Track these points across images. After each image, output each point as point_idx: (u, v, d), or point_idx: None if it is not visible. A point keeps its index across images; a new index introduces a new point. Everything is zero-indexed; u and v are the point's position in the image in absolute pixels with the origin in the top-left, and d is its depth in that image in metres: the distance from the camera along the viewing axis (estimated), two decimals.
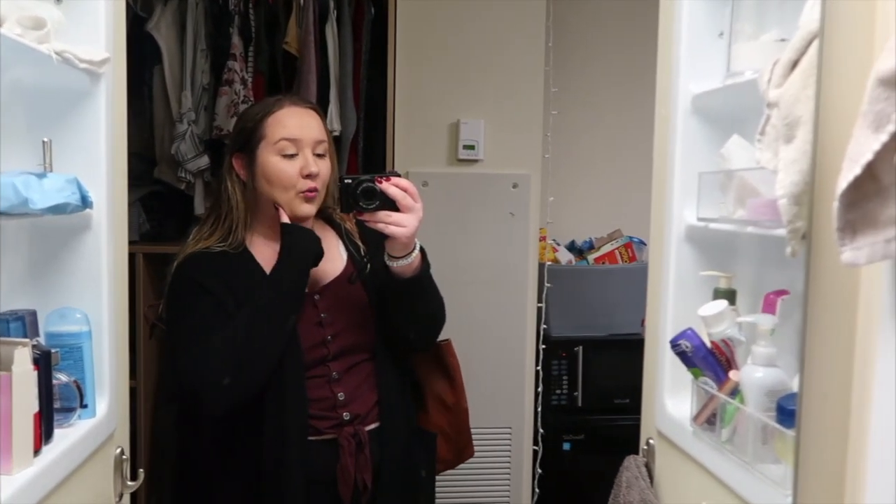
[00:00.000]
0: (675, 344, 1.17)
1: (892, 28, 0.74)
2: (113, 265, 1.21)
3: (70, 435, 1.09)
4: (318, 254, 1.43)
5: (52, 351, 1.05)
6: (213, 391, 1.34)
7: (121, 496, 1.27)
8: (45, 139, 1.07)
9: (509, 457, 2.51)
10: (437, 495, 1.68)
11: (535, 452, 2.52)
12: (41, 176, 0.99)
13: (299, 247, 1.42)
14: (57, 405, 1.08)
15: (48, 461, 0.99)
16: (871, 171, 0.69)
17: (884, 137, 0.67)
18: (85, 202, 1.08)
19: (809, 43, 0.87)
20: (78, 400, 1.11)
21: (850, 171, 0.69)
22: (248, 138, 1.47)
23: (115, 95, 1.21)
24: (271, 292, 1.40)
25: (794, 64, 0.90)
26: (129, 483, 1.28)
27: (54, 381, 1.06)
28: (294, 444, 1.40)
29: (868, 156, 0.68)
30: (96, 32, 1.14)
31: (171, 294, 1.46)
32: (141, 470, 1.31)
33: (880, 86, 0.67)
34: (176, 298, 1.46)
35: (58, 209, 1.00)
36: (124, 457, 1.27)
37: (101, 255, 1.18)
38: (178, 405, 1.85)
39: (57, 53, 1.00)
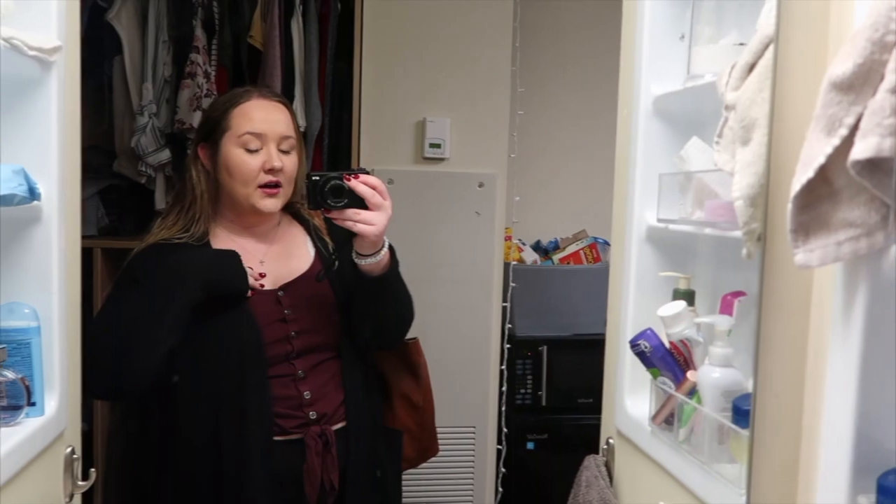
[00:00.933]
0: (634, 344, 1.18)
1: (845, 33, 0.75)
2: (64, 259, 1.18)
3: (17, 434, 1.05)
4: (236, 287, 1.41)
5: None
6: (89, 372, 1.29)
7: (71, 496, 1.24)
8: None
9: (473, 456, 2.51)
10: (402, 491, 1.67)
11: (499, 451, 2.53)
12: None
13: (217, 273, 1.40)
14: (3, 403, 1.05)
15: None
16: (823, 174, 0.69)
17: (836, 141, 0.67)
18: (33, 194, 1.05)
19: (766, 47, 0.88)
20: (25, 398, 1.08)
21: (803, 174, 0.70)
22: (213, 128, 1.45)
23: (68, 85, 1.18)
24: (157, 297, 1.36)
25: (751, 67, 0.91)
26: (80, 483, 1.25)
27: (1, 379, 1.03)
28: (257, 443, 1.37)
29: (821, 159, 0.68)
30: (48, 19, 1.10)
31: (117, 282, 1.44)
32: (93, 469, 1.27)
33: (833, 90, 0.68)
34: (114, 287, 1.44)
35: (3, 200, 0.97)
36: (75, 456, 1.24)
37: (52, 249, 1.14)
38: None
39: (4, 40, 0.96)
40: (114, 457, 2.37)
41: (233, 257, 1.42)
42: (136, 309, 1.36)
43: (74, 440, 1.25)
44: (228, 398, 1.38)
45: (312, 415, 1.42)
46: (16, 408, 1.07)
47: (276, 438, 1.40)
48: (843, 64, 0.67)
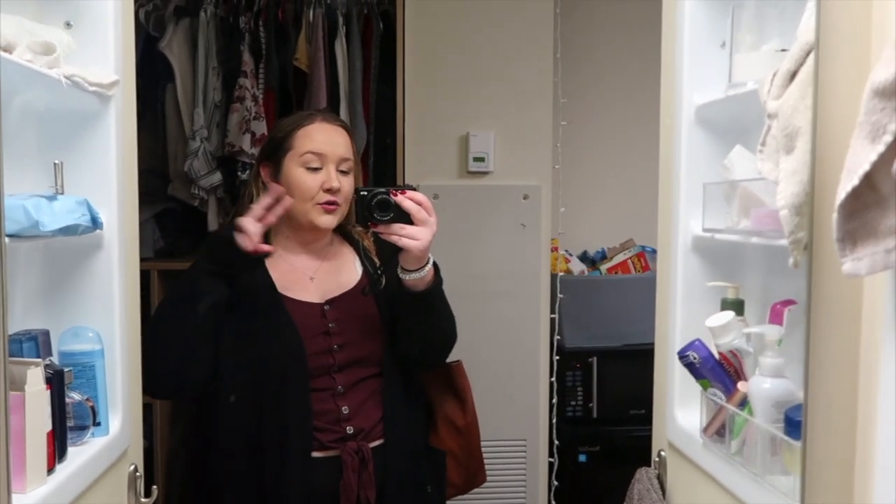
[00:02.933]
0: (682, 355, 1.17)
1: (887, 39, 0.74)
2: (124, 284, 1.23)
3: (83, 453, 1.10)
4: (232, 258, 1.38)
5: (65, 370, 1.07)
6: (146, 376, 1.36)
7: None
8: (57, 161, 1.09)
9: (524, 469, 2.50)
10: None
11: (551, 464, 2.51)
12: (52, 198, 1.01)
13: (211, 252, 1.41)
14: (70, 423, 1.10)
15: (61, 479, 1.01)
16: (869, 181, 0.68)
17: (881, 148, 0.67)
18: (95, 223, 1.10)
19: (807, 54, 0.87)
20: (91, 418, 1.12)
21: (848, 182, 0.69)
22: (276, 148, 1.51)
23: (125, 116, 1.23)
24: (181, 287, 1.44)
25: (793, 75, 0.90)
26: (143, 500, 1.29)
27: (67, 400, 1.08)
28: (296, 458, 1.41)
29: (866, 166, 0.68)
30: (105, 55, 1.16)
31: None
32: (154, 486, 1.32)
33: (876, 96, 0.67)
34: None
35: (68, 231, 1.02)
36: (138, 474, 1.28)
37: (113, 275, 1.20)
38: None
39: (66, 77, 1.02)
40: (176, 473, 2.43)
41: (225, 230, 1.41)
42: (165, 310, 1.44)
43: (137, 458, 1.30)
44: (270, 409, 1.42)
45: (349, 430, 1.45)
46: (82, 428, 1.11)
47: (314, 455, 1.42)
48: (885, 70, 0.66)
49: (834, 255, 0.72)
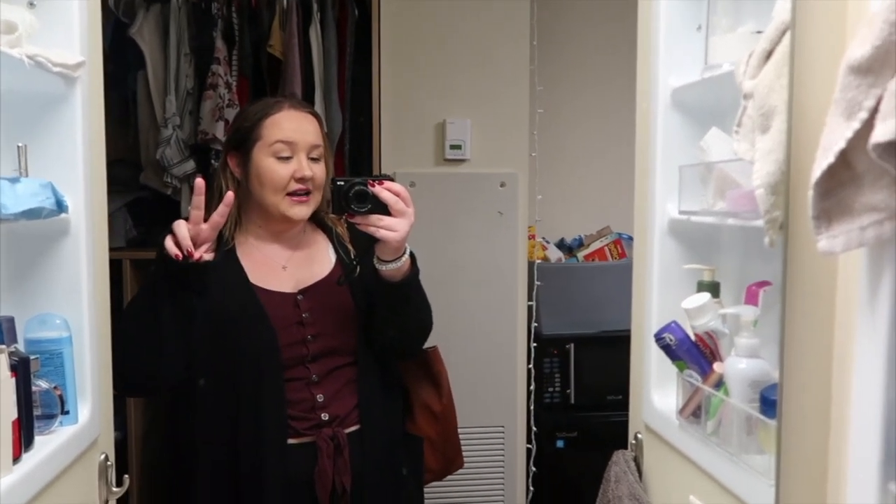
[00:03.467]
0: (659, 337, 1.17)
1: (862, 16, 0.74)
2: (93, 270, 1.20)
3: (51, 442, 1.08)
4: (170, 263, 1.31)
5: (32, 357, 1.04)
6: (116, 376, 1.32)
7: (106, 502, 1.26)
8: (20, 144, 1.06)
9: (503, 455, 2.51)
10: (430, 495, 1.67)
11: (529, 450, 2.52)
12: (14, 181, 0.98)
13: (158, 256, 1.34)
14: (37, 412, 1.07)
15: (28, 468, 0.98)
16: (844, 158, 0.68)
17: (856, 125, 0.66)
18: (60, 207, 1.07)
19: (783, 33, 0.87)
20: (59, 406, 1.10)
21: (823, 160, 0.69)
22: (244, 137, 1.48)
23: (92, 99, 1.20)
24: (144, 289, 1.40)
25: (769, 54, 0.90)
26: (115, 489, 1.27)
27: (34, 388, 1.05)
28: (272, 446, 1.40)
29: (841, 143, 0.67)
30: (70, 36, 1.13)
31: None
32: (126, 476, 1.29)
33: (851, 73, 0.67)
34: None
35: (31, 214, 0.99)
36: (109, 463, 1.26)
37: (81, 261, 1.17)
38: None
39: (29, 57, 0.99)
40: (147, 461, 2.41)
41: (161, 236, 1.34)
42: (131, 313, 1.41)
43: (108, 447, 1.28)
44: (245, 400, 1.41)
45: (324, 416, 1.44)
46: (49, 416, 1.09)
47: (290, 441, 1.42)
48: (860, 47, 0.66)
49: (809, 234, 0.72)
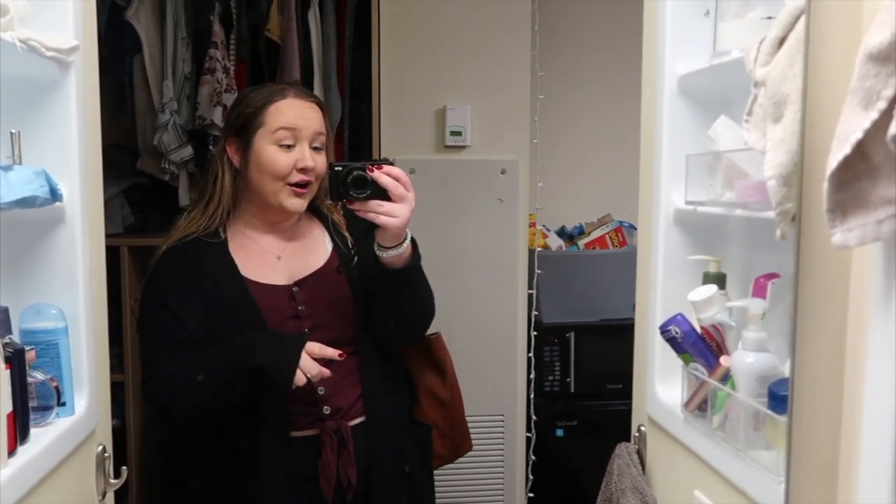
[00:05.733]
0: (664, 330, 1.16)
1: (880, 1, 0.72)
2: (89, 259, 1.18)
3: (48, 434, 1.06)
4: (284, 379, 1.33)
5: (27, 349, 1.02)
6: (164, 412, 1.38)
7: (104, 494, 1.25)
8: (13, 131, 1.04)
9: (502, 444, 2.50)
10: (434, 483, 1.66)
11: (529, 439, 2.51)
12: (7, 168, 0.96)
13: (276, 365, 1.33)
14: (33, 404, 1.05)
15: (24, 461, 0.97)
16: (861, 150, 0.66)
17: (874, 115, 0.64)
18: (55, 195, 1.05)
19: (796, 19, 0.85)
20: (55, 398, 1.08)
21: (839, 151, 0.67)
22: (245, 124, 1.44)
23: (87, 84, 1.18)
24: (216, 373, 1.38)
25: (781, 41, 0.87)
26: (113, 481, 1.26)
27: (29, 380, 1.03)
28: (272, 440, 1.38)
29: (858, 134, 0.65)
30: (64, 19, 1.10)
31: (144, 289, 1.45)
32: (124, 467, 1.28)
33: (869, 61, 0.65)
34: (142, 304, 1.46)
35: (25, 202, 0.97)
36: (106, 454, 1.25)
37: (77, 250, 1.15)
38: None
39: (21, 41, 0.96)
40: (146, 453, 2.40)
41: (296, 347, 1.34)
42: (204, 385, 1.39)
43: (105, 438, 1.26)
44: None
45: (326, 410, 1.42)
46: (46, 408, 1.07)
47: (293, 434, 1.40)
48: (879, 33, 0.64)
49: (822, 227, 0.70)
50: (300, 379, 1.31)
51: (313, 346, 1.34)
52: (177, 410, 1.43)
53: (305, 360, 1.32)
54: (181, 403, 1.40)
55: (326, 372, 1.34)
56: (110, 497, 1.28)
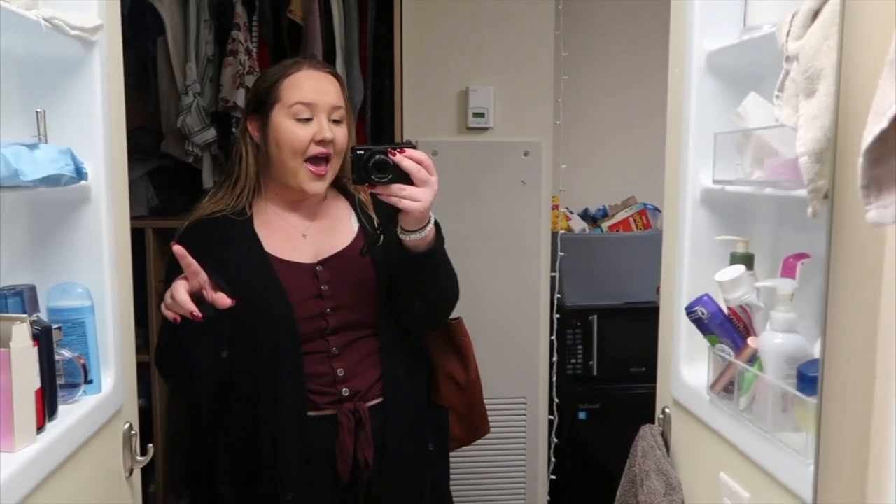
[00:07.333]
0: (690, 311, 1.14)
1: None
2: (114, 238, 1.19)
3: (75, 411, 1.08)
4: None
5: (54, 327, 1.04)
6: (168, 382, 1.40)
7: (131, 471, 1.27)
8: (39, 110, 1.05)
9: (525, 426, 2.50)
10: (452, 466, 1.66)
11: (551, 422, 2.51)
12: (33, 147, 0.96)
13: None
14: (61, 381, 1.07)
15: (52, 438, 0.98)
16: None
17: None
18: (80, 173, 1.05)
19: None
20: (82, 376, 1.10)
21: (875, 125, 0.65)
22: (263, 100, 1.44)
23: (111, 63, 1.18)
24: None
25: (815, 14, 0.85)
26: (139, 458, 1.28)
27: (57, 357, 1.05)
28: (290, 419, 1.38)
29: (895, 108, 0.63)
30: None
31: (166, 270, 1.46)
32: (150, 445, 1.30)
33: None
34: (166, 277, 1.46)
35: (51, 181, 0.97)
36: (133, 432, 1.26)
37: (102, 229, 1.16)
38: None
39: (46, 20, 0.96)
40: (170, 429, 2.43)
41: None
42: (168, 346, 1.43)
43: (132, 416, 1.28)
44: (263, 374, 1.39)
45: (345, 391, 1.41)
46: (73, 386, 1.09)
47: (310, 414, 1.40)
48: None
49: (856, 204, 0.68)
50: (167, 313, 1.27)
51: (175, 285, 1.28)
52: (168, 376, 1.52)
53: (174, 290, 1.27)
54: (168, 367, 1.48)
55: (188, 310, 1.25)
56: (137, 474, 1.30)
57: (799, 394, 0.93)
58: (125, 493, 1.25)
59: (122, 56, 1.24)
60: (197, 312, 1.25)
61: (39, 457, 0.94)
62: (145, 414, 2.32)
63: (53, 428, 1.01)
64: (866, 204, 0.67)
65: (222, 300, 1.26)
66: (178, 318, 1.26)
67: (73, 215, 1.14)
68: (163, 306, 1.29)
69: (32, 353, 0.95)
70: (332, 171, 1.44)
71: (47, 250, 1.15)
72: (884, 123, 0.64)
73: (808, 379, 0.92)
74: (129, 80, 1.27)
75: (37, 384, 0.96)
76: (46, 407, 0.99)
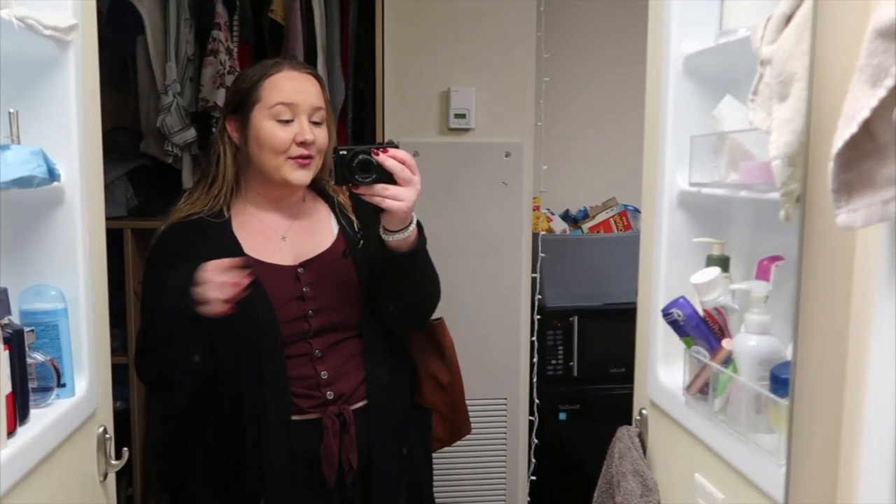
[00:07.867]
0: (666, 313, 1.15)
1: None
2: (89, 239, 1.18)
3: (47, 415, 1.06)
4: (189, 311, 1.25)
5: (26, 330, 1.02)
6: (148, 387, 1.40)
7: (105, 475, 1.25)
8: (11, 110, 1.03)
9: (505, 427, 2.50)
10: (433, 466, 1.66)
11: (531, 423, 2.52)
12: (4, 148, 0.95)
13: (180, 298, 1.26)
14: (33, 385, 1.05)
15: (23, 442, 0.97)
16: (868, 128, 0.65)
17: (881, 93, 0.63)
18: (52, 175, 1.04)
19: None
20: (55, 379, 1.08)
21: (846, 130, 0.66)
22: (242, 100, 1.43)
23: (86, 64, 1.17)
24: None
25: (789, 18, 0.86)
26: (114, 462, 1.26)
27: (29, 361, 1.03)
28: (275, 423, 1.37)
29: (865, 112, 0.64)
30: None
31: (145, 271, 1.44)
32: (126, 449, 1.28)
33: (878, 38, 0.63)
34: (145, 281, 1.45)
35: (23, 182, 0.96)
36: (108, 436, 1.25)
37: (76, 230, 1.14)
38: None
39: (18, 19, 0.95)
40: (149, 432, 2.41)
41: (191, 273, 1.27)
42: (150, 341, 1.40)
43: (106, 420, 1.26)
44: (247, 378, 1.38)
45: (329, 395, 1.41)
46: (46, 389, 1.07)
47: (295, 418, 1.39)
48: (888, 9, 0.62)
49: (827, 208, 0.69)
50: (212, 308, 1.24)
51: (208, 263, 1.25)
52: (148, 381, 1.49)
53: (203, 279, 1.24)
54: (150, 373, 1.45)
55: (238, 283, 1.24)
56: (112, 478, 1.28)
57: (772, 395, 0.94)
58: (99, 497, 1.24)
59: (97, 56, 1.23)
60: (246, 281, 1.25)
61: (10, 461, 0.93)
62: (123, 416, 2.30)
63: (25, 432, 0.99)
64: (836, 208, 0.68)
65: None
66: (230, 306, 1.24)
67: (47, 217, 1.13)
68: (196, 293, 1.24)
69: (3, 356, 0.93)
70: (314, 167, 1.44)
71: (20, 252, 1.13)
72: (853, 128, 0.65)
73: (780, 381, 0.92)
74: (107, 80, 1.26)
75: (8, 388, 0.95)
76: (18, 411, 0.98)
